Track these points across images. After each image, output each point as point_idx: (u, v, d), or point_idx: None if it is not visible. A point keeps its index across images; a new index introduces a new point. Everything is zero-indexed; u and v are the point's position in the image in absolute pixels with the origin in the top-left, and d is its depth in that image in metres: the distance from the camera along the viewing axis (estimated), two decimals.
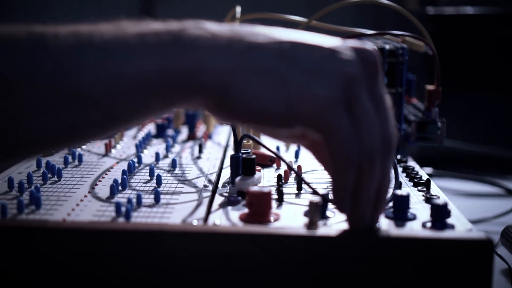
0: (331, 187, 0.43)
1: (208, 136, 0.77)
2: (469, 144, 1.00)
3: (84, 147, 0.69)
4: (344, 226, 0.45)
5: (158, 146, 0.71)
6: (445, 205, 0.47)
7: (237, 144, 0.54)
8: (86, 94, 0.40)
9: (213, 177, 0.59)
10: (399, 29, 0.74)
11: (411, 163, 0.66)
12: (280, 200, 0.51)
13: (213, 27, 0.41)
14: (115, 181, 0.53)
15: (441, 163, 0.97)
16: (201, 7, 2.64)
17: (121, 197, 0.52)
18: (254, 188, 0.47)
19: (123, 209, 0.48)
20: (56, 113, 0.40)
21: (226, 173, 0.60)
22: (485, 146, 1.01)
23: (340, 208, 0.43)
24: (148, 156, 0.66)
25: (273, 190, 0.50)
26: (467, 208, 0.84)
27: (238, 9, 0.73)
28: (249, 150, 0.55)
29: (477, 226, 0.77)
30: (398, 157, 0.66)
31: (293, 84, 0.40)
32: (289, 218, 0.48)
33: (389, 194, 0.48)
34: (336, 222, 0.47)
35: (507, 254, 0.66)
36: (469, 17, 1.09)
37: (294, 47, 0.41)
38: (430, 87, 0.71)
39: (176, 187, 0.56)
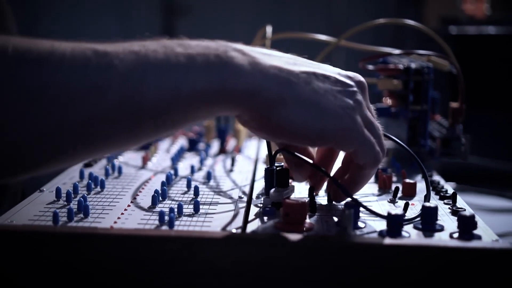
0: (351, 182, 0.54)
1: (238, 150, 0.80)
2: (491, 161, 1.02)
3: (122, 159, 0.72)
4: (375, 235, 0.48)
5: (191, 159, 0.74)
6: (472, 217, 0.49)
7: (272, 158, 0.57)
8: (148, 107, 0.45)
9: (246, 189, 0.62)
10: (418, 48, 0.76)
11: (436, 177, 0.68)
12: (313, 211, 0.54)
13: (248, 51, 0.49)
14: (156, 191, 0.56)
15: (465, 178, 0.99)
16: (219, 25, 2.69)
17: (162, 207, 0.55)
18: (290, 199, 0.50)
19: (166, 217, 0.50)
20: (120, 123, 0.45)
21: (258, 185, 0.63)
22: (508, 162, 1.03)
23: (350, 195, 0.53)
24: (183, 168, 0.69)
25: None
26: (490, 223, 0.86)
27: (269, 29, 0.76)
28: (282, 164, 0.58)
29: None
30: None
31: (327, 115, 0.49)
32: (322, 227, 0.50)
33: (416, 206, 0.51)
34: (368, 232, 0.49)
35: None
36: (491, 37, 1.11)
37: (317, 78, 0.50)
38: (454, 104, 0.73)
39: (213, 198, 0.58)
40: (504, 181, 1.01)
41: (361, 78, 0.53)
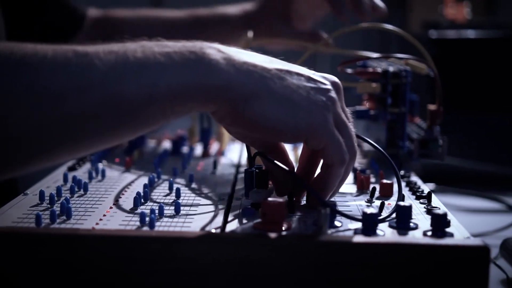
0: (319, 181, 0.54)
1: (221, 153, 0.81)
2: (472, 162, 1.04)
3: (105, 163, 0.74)
4: (351, 234, 0.49)
5: (175, 162, 0.75)
6: (444, 215, 0.51)
7: (251, 160, 0.58)
8: (128, 102, 0.47)
9: (227, 191, 0.63)
10: (403, 52, 0.78)
11: (414, 178, 0.70)
12: (291, 211, 0.55)
13: (224, 49, 0.51)
14: (138, 193, 0.58)
15: (445, 180, 1.00)
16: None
17: (143, 209, 0.56)
18: (269, 199, 0.51)
19: (147, 219, 0.52)
20: (102, 120, 0.47)
21: (239, 187, 0.64)
22: (487, 164, 1.04)
23: (324, 196, 0.54)
24: (166, 171, 0.70)
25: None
26: (469, 223, 0.87)
27: (251, 34, 0.78)
28: (262, 165, 0.59)
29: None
30: (402, 172, 0.70)
31: (300, 110, 0.51)
32: (300, 226, 0.51)
33: (393, 206, 0.53)
34: (343, 230, 0.51)
35: (506, 266, 0.69)
36: (470, 41, 1.13)
37: (291, 75, 0.52)
38: (432, 106, 0.75)
39: (194, 199, 0.60)
40: (483, 182, 1.03)
41: (336, 80, 0.55)
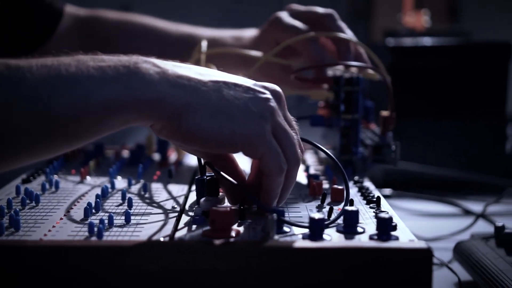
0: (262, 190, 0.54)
1: (178, 162, 0.81)
2: (430, 167, 1.06)
3: (61, 175, 0.73)
4: (297, 239, 0.50)
5: (131, 172, 0.75)
6: (390, 219, 0.51)
7: (202, 168, 0.59)
8: (59, 117, 0.47)
9: (181, 200, 0.63)
10: (362, 60, 0.79)
11: (367, 183, 0.71)
12: (242, 218, 0.56)
13: (159, 63, 0.51)
14: (89, 204, 0.58)
15: (403, 185, 1.02)
16: (174, 5, 2.66)
17: (94, 219, 0.56)
18: (217, 207, 0.51)
19: (96, 229, 0.52)
20: (33, 134, 0.47)
21: (193, 196, 0.64)
22: (445, 169, 1.06)
23: (268, 205, 0.54)
24: (122, 182, 0.70)
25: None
26: (425, 227, 0.89)
27: (204, 44, 0.79)
28: (213, 174, 0.60)
29: (434, 243, 0.82)
30: (356, 178, 0.71)
31: (235, 121, 0.51)
32: (249, 233, 0.52)
33: (339, 211, 0.54)
34: (291, 235, 0.51)
35: (460, 269, 0.71)
36: (426, 49, 1.16)
37: (228, 86, 0.52)
38: (384, 113, 0.76)
39: (146, 209, 0.60)
40: (441, 186, 1.05)
41: (277, 88, 0.55)
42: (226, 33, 0.89)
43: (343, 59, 0.76)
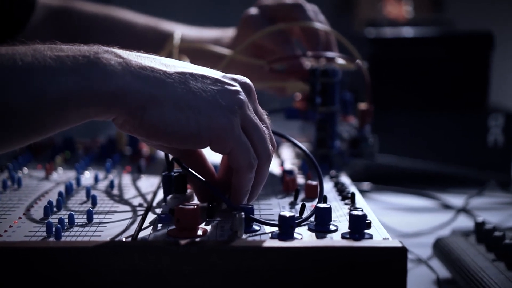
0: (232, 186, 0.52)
1: (150, 157, 0.78)
2: (410, 160, 1.04)
3: (25, 171, 0.70)
4: (266, 238, 0.47)
5: (99, 168, 0.72)
6: (363, 216, 0.49)
7: (169, 164, 0.56)
8: (13, 111, 0.45)
9: (149, 197, 0.61)
10: (344, 52, 0.77)
11: (343, 178, 0.68)
12: (210, 216, 0.53)
13: (122, 53, 0.48)
14: (49, 202, 0.55)
15: (383, 179, 1.00)
16: None
17: (55, 218, 0.53)
18: (182, 205, 0.49)
19: (54, 229, 0.49)
20: None
21: (162, 192, 0.62)
22: (425, 162, 1.04)
23: (237, 202, 0.52)
24: (89, 178, 0.68)
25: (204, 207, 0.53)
26: (404, 222, 0.87)
27: (178, 36, 0.76)
28: (181, 170, 0.57)
29: (414, 239, 0.80)
30: (332, 173, 0.69)
31: (202, 114, 0.48)
32: (216, 232, 0.50)
33: (313, 207, 0.52)
34: (260, 234, 0.49)
35: (439, 265, 0.69)
36: (406, 40, 1.14)
37: (194, 78, 0.50)
38: (362, 105, 0.74)
39: (111, 206, 0.57)
40: (421, 180, 1.03)
41: (247, 80, 0.53)
42: (208, 34, 0.87)
43: (312, 49, 0.74)
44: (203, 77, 0.50)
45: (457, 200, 0.94)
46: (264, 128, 0.52)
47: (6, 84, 0.44)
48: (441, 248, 0.69)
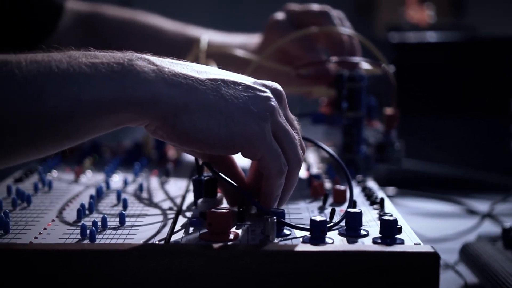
0: (262, 191, 0.52)
1: (176, 160, 0.79)
2: (435, 165, 1.04)
3: (55, 174, 0.71)
4: (298, 242, 0.48)
5: (127, 171, 0.73)
6: (394, 221, 0.49)
7: (199, 168, 0.57)
8: (48, 116, 0.45)
9: (178, 200, 0.61)
10: (368, 56, 0.77)
11: (370, 183, 0.68)
12: (241, 220, 0.53)
13: (155, 60, 0.49)
14: (82, 205, 0.56)
15: (407, 183, 1.00)
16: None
17: (87, 221, 0.54)
18: (215, 209, 0.49)
19: (88, 231, 0.50)
20: (20, 132, 0.45)
21: (191, 196, 0.62)
22: (450, 167, 1.04)
23: (268, 207, 0.52)
24: (117, 181, 0.68)
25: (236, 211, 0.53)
26: (430, 227, 0.87)
27: (204, 41, 0.76)
28: (210, 174, 0.58)
29: (440, 244, 0.80)
30: (359, 177, 0.69)
31: (234, 121, 0.49)
32: (248, 236, 0.50)
33: (342, 212, 0.52)
34: (292, 238, 0.49)
35: (466, 271, 0.69)
36: (430, 45, 1.13)
37: (226, 85, 0.50)
38: (388, 110, 0.74)
39: (142, 210, 0.58)
40: (445, 185, 1.02)
41: (278, 86, 0.53)
42: (234, 39, 0.87)
43: (337, 54, 0.74)
44: (235, 83, 0.50)
45: (482, 205, 0.93)
46: (295, 134, 0.52)
47: (42, 90, 0.45)
48: (468, 254, 0.69)
